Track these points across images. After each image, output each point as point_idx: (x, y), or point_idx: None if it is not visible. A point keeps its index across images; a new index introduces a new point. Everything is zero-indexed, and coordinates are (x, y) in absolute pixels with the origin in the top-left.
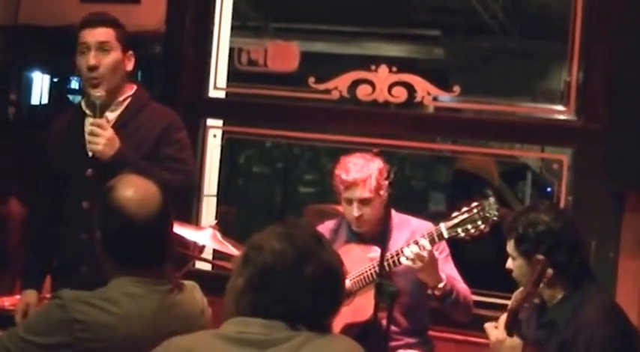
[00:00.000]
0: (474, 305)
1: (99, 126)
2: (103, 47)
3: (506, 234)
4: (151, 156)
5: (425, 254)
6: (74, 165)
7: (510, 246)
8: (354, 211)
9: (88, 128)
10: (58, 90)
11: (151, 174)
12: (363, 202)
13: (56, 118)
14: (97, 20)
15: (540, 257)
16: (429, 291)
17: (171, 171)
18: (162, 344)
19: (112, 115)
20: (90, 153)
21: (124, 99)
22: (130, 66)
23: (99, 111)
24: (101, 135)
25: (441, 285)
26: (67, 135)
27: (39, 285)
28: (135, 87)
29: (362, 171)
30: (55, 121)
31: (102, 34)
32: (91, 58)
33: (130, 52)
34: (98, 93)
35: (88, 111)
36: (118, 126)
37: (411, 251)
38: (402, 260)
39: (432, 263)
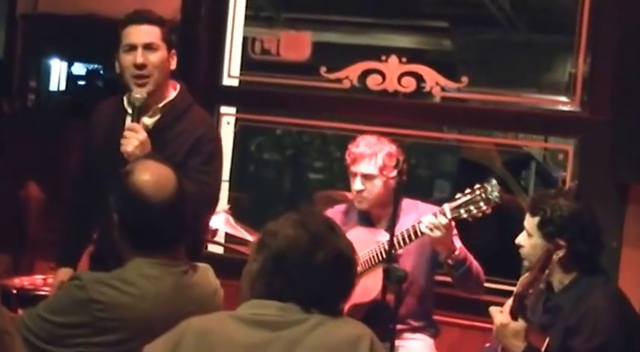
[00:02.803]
0: (483, 291)
1: (132, 129)
2: (150, 46)
3: (531, 210)
4: (183, 165)
5: (443, 223)
6: (111, 163)
7: (531, 223)
8: (356, 184)
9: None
10: (76, 78)
11: None
12: (366, 177)
13: (99, 108)
14: (143, 18)
15: (562, 243)
16: (442, 258)
17: (192, 181)
18: (180, 324)
19: (150, 121)
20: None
21: (164, 105)
22: (173, 64)
23: (136, 113)
24: (134, 138)
25: (455, 254)
26: (108, 131)
27: (74, 264)
28: (178, 87)
29: (371, 147)
30: (98, 112)
31: (148, 32)
32: (139, 56)
33: (173, 51)
34: (138, 95)
35: (129, 109)
36: (156, 132)
37: (429, 221)
38: (422, 227)
39: (448, 232)
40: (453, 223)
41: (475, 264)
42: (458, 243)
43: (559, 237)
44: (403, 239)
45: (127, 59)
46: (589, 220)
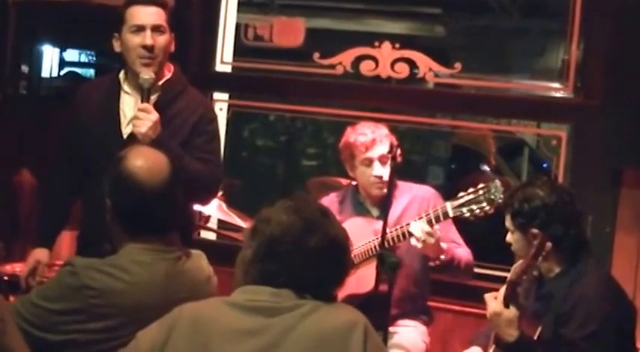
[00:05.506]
0: (473, 277)
1: (145, 110)
2: (158, 28)
3: (503, 209)
4: (184, 144)
5: (433, 232)
6: (107, 144)
7: (508, 221)
8: (376, 170)
9: (135, 112)
10: (68, 64)
11: (184, 162)
12: (382, 161)
13: (86, 89)
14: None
15: (535, 231)
16: (430, 260)
17: (199, 160)
18: (174, 310)
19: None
20: (125, 135)
21: (163, 83)
22: (172, 47)
23: (146, 94)
24: (147, 119)
25: (441, 258)
26: (102, 110)
27: (50, 244)
28: (172, 68)
29: (376, 132)
30: (87, 90)
31: (155, 14)
32: (148, 38)
33: (173, 34)
34: (147, 76)
35: (126, 88)
36: (157, 110)
37: (420, 228)
38: (413, 242)
39: (435, 241)
40: (439, 232)
41: (463, 257)
42: (452, 228)
43: (530, 226)
44: (397, 237)
45: (134, 40)
46: (556, 204)
